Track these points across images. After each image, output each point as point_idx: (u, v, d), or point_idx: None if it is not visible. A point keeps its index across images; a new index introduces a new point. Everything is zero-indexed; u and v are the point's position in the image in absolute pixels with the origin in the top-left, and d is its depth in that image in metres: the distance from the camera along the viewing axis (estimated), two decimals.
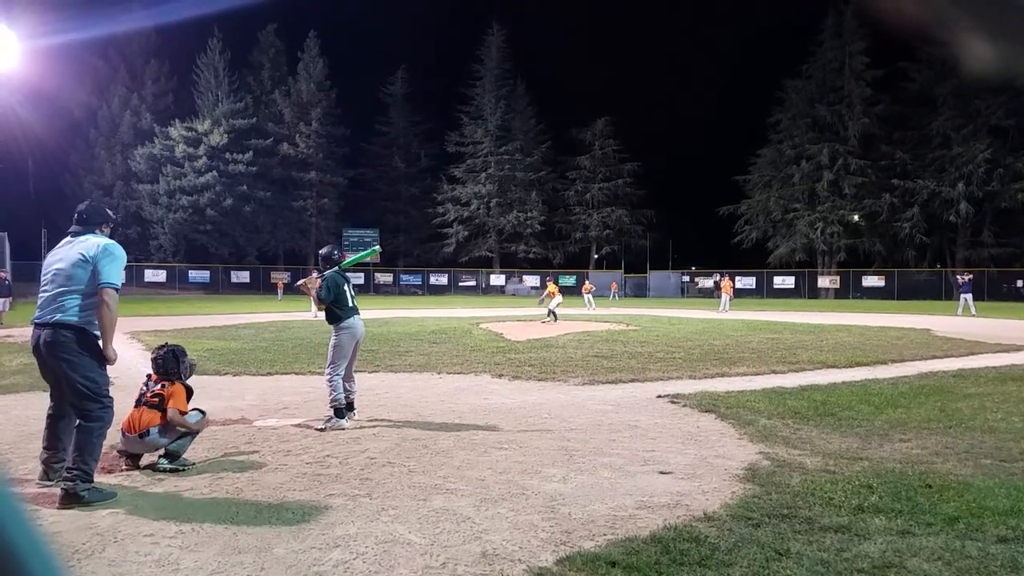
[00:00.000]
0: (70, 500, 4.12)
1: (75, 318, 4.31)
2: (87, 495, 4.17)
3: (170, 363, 5.16)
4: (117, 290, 4.39)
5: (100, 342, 4.41)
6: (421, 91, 68.52)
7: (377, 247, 7.04)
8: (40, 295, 4.43)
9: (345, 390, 6.54)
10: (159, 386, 5.04)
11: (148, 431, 4.86)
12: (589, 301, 32.19)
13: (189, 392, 5.17)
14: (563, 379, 9.20)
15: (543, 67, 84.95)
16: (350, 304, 6.69)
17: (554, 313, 21.29)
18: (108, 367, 4.44)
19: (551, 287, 22.34)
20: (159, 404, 4.93)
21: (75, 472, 4.17)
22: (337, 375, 6.46)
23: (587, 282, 35.29)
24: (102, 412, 4.36)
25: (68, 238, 4.58)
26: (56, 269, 4.41)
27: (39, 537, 0.46)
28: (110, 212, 4.91)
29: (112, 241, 4.58)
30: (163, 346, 5.36)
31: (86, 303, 4.35)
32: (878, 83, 53.77)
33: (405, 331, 16.49)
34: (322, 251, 6.95)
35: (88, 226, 4.60)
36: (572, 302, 34.31)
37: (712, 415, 6.71)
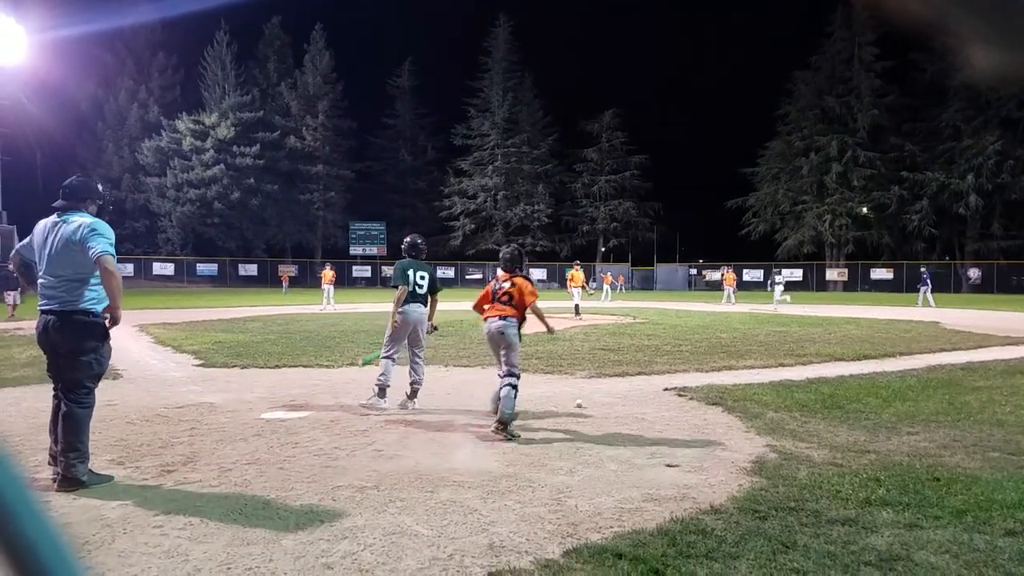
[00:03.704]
0: (70, 484, 4.18)
1: (79, 303, 4.31)
2: (87, 479, 4.25)
3: (516, 260, 5.80)
4: (113, 256, 4.32)
5: (107, 318, 4.41)
6: (428, 84, 68.58)
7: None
8: (39, 281, 4.40)
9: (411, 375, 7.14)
10: (509, 284, 5.78)
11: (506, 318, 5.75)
12: (607, 293, 32.61)
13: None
14: (570, 372, 9.20)
15: (550, 59, 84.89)
16: (411, 290, 7.31)
17: (577, 307, 19.73)
18: (112, 356, 4.48)
19: (573, 273, 20.74)
20: (510, 301, 5.70)
21: (71, 455, 4.22)
22: (387, 356, 7.12)
23: (608, 274, 36.45)
24: (88, 397, 4.41)
25: (53, 217, 4.45)
26: (47, 256, 4.37)
27: (53, 528, 0.47)
28: (100, 188, 4.76)
29: (96, 219, 4.43)
30: (510, 245, 5.94)
31: (84, 287, 4.34)
32: (888, 74, 53.41)
33: None
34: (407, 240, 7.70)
35: (72, 200, 4.47)
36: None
37: (719, 408, 6.71)
